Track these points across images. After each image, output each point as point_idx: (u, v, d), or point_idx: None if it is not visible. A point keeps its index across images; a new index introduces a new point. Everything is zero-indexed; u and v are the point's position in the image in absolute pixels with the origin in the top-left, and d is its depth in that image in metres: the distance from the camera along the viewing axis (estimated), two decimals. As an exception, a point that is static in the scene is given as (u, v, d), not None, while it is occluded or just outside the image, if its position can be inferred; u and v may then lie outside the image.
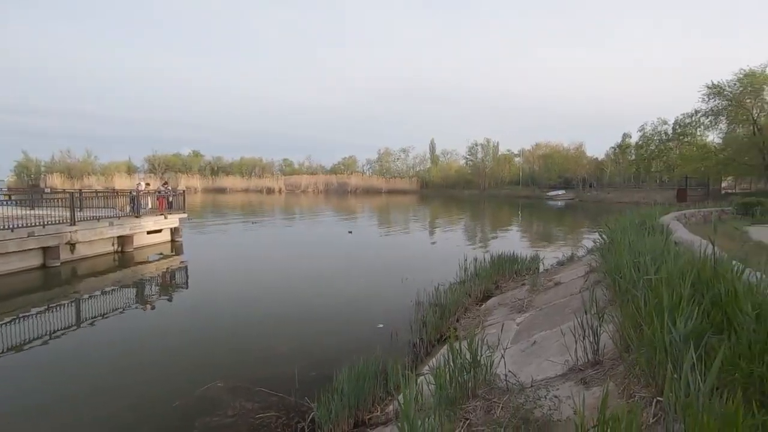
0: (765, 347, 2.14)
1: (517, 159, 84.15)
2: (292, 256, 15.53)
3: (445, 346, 4.73)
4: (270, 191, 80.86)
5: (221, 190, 79.51)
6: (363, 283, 11.22)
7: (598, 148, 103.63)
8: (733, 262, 3.35)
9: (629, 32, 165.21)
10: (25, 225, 11.41)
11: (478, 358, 3.69)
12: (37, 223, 11.73)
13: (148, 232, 15.76)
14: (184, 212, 17.53)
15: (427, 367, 4.86)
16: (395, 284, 10.52)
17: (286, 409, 4.54)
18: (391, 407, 4.26)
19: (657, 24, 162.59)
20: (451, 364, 3.61)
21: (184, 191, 18.23)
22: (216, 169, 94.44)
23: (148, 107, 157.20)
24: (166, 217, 16.43)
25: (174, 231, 16.99)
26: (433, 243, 20.05)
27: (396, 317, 7.71)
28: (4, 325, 7.85)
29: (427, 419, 2.69)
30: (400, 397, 4.33)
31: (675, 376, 2.11)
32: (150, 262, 14.54)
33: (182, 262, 14.84)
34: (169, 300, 10.21)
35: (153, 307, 9.61)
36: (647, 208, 14.69)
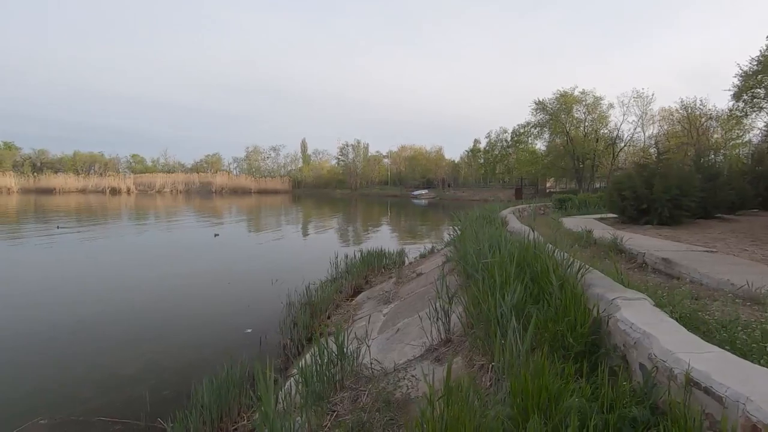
0: (565, 311, 2.65)
1: (385, 160, 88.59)
2: (142, 264, 13.68)
3: (313, 344, 4.74)
4: (116, 192, 69.88)
5: (48, 191, 65.81)
6: (229, 288, 10.51)
7: (455, 152, 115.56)
8: (548, 245, 4.09)
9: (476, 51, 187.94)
10: None
11: (345, 350, 3.80)
12: None
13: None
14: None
15: (296, 368, 4.80)
16: (265, 287, 10.12)
17: (132, 436, 4.00)
18: (258, 413, 4.08)
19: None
20: (318, 359, 3.63)
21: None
22: (39, 166, 77.88)
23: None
24: (-40, 225, 12.87)
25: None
26: (306, 243, 19.85)
27: (266, 321, 7.42)
28: None
29: (291, 418, 2.65)
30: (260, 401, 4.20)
31: (502, 341, 2.48)
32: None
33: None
34: None
35: None
36: (491, 204, 16.95)
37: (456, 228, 8.76)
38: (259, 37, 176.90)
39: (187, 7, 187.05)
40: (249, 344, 6.42)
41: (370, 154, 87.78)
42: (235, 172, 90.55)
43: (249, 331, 6.97)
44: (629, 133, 43.13)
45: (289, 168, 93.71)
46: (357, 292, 8.97)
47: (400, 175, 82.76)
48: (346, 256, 11.15)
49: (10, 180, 65.88)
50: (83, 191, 69.96)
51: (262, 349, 6.23)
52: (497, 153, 64.24)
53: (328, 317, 7.27)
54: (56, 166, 79.38)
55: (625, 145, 43.43)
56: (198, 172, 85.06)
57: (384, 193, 73.31)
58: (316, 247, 17.84)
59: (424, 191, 69.70)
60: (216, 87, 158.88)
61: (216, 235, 19.61)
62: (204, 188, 76.74)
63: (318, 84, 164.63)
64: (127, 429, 4.15)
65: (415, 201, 60.31)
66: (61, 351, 6.48)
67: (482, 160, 70.15)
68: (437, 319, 3.93)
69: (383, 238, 20.00)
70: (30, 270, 12.72)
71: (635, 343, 2.20)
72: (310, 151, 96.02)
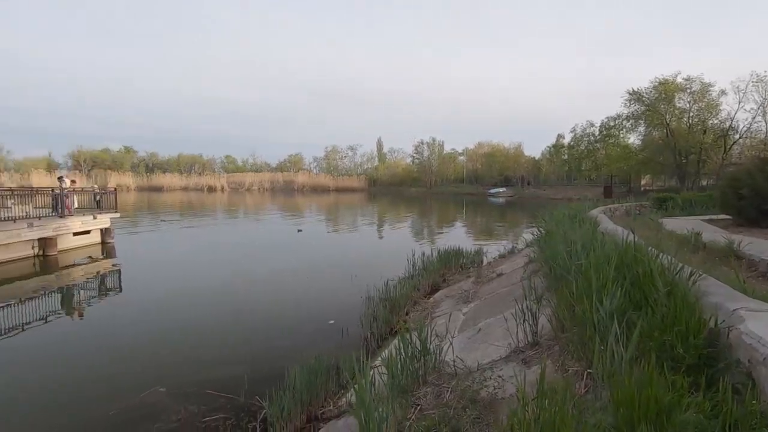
0: (674, 319, 2.44)
1: (461, 158, 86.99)
2: (237, 256, 15.01)
3: (396, 338, 4.85)
4: (212, 190, 77.24)
5: (157, 189, 74.74)
6: (313, 280, 11.12)
7: (535, 148, 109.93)
8: (649, 248, 3.76)
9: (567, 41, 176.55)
10: None
11: (428, 346, 3.84)
12: (-61, 226, 10.41)
13: (75, 234, 14.49)
14: (116, 212, 16.31)
15: (378, 360, 4.95)
16: (345, 281, 10.54)
17: (235, 410, 4.43)
18: (343, 400, 4.30)
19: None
20: (403, 353, 3.72)
21: (115, 189, 16.95)
22: (151, 167, 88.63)
23: (71, 100, 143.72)
24: (95, 217, 15.19)
25: (105, 232, 15.76)
26: (382, 240, 20.26)
27: (347, 313, 7.74)
28: None
29: (381, 407, 2.76)
30: (354, 388, 4.40)
31: (602, 348, 2.35)
32: (77, 265, 13.42)
33: (114, 264, 13.86)
34: (100, 305, 9.51)
35: (81, 314, 8.92)
36: (578, 203, 15.87)
37: (540, 228, 8.37)
38: (336, 42, 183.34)
39: (273, 19, 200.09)
40: (332, 334, 6.75)
41: (445, 152, 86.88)
42: (315, 171, 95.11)
43: (332, 322, 7.32)
44: (746, 123, 37.34)
45: (365, 167, 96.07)
46: (434, 290, 8.98)
47: (476, 172, 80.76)
48: (423, 254, 11.19)
49: (129, 179, 75.99)
50: (185, 189, 78.32)
51: (345, 340, 6.51)
52: (583, 148, 59.73)
53: (407, 314, 7.37)
54: (164, 166, 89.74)
55: (740, 137, 37.80)
56: (282, 171, 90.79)
57: (459, 191, 72.11)
58: (392, 244, 18.13)
59: (501, 189, 67.24)
60: (300, 90, 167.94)
61: (299, 230, 20.81)
62: (287, 186, 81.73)
63: (396, 84, 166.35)
64: (230, 402, 4.60)
65: (492, 199, 58.47)
66: (172, 333, 7.36)
67: (566, 156, 65.83)
68: (523, 321, 3.81)
69: (459, 236, 19.71)
70: (143, 260, 14.61)
71: (765, 359, 1.96)
72: (385, 150, 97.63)
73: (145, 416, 4.41)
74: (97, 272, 12.89)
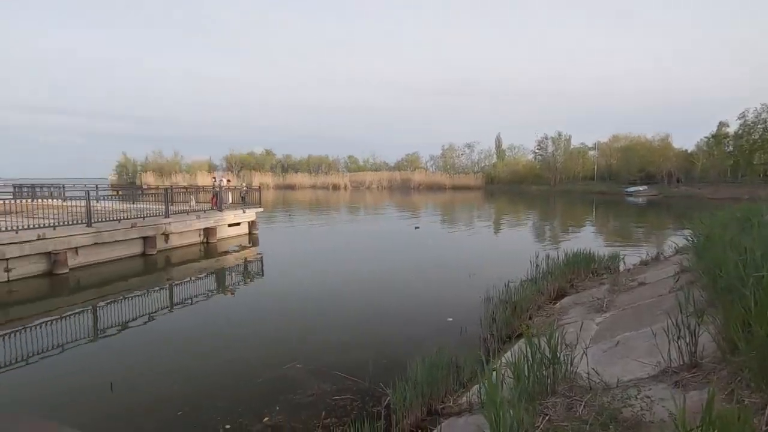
0: None
1: (591, 152, 78.77)
2: (359, 249, 15.97)
3: (521, 342, 4.64)
4: (336, 188, 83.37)
5: (290, 187, 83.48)
6: (430, 277, 11.26)
7: (684, 140, 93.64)
8: None
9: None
10: (128, 217, 12.92)
11: (558, 354, 3.59)
12: (138, 216, 13.21)
13: (229, 225, 17.05)
14: (260, 207, 18.72)
15: (500, 362, 4.79)
16: (463, 280, 10.43)
17: (361, 393, 4.74)
18: (464, 398, 4.27)
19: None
20: (530, 358, 3.54)
21: (260, 187, 19.46)
22: (286, 167, 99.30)
23: (226, 111, 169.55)
24: (244, 211, 17.67)
25: (251, 224, 18.22)
26: (500, 239, 19.51)
27: (465, 313, 7.66)
28: (110, 305, 9.01)
29: (509, 410, 2.68)
30: (475, 388, 4.32)
31: (797, 379, 1.91)
32: (231, 252, 15.74)
33: (258, 253, 15.90)
34: (248, 287, 11.04)
35: (233, 293, 10.44)
36: (749, 203, 13.07)
37: (696, 232, 7.14)
38: (450, 40, 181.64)
39: (385, 23, 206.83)
40: (451, 332, 6.75)
41: (572, 147, 79.62)
42: (431, 170, 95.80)
43: (450, 320, 7.32)
44: None
45: (483, 164, 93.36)
46: (560, 295, 8.33)
47: (611, 169, 72.15)
48: (547, 257, 10.46)
49: (269, 179, 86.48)
50: (313, 187, 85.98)
51: (463, 339, 6.45)
52: (757, 138, 48.97)
53: (530, 318, 6.98)
54: (296, 167, 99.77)
55: None
56: (399, 170, 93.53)
57: (588, 190, 65.34)
58: (511, 245, 17.33)
59: (642, 188, 58.91)
60: (411, 90, 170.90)
61: (416, 228, 21.22)
62: (404, 185, 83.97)
63: (516, 76, 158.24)
64: (355, 385, 4.94)
65: (630, 199, 51.67)
66: (304, 315, 8.16)
67: (731, 148, 54.78)
68: (677, 338, 3.30)
69: (588, 239, 17.91)
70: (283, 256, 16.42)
71: None
72: (504, 146, 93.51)
73: (286, 388, 4.99)
74: (245, 258, 14.98)
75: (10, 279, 10.12)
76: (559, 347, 3.66)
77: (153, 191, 16.65)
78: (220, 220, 16.30)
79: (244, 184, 21.01)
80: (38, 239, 10.39)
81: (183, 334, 7.29)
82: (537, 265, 10.01)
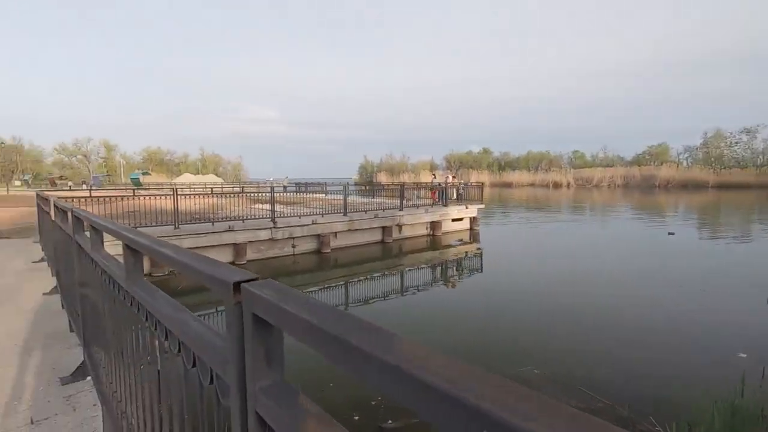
0: None
1: None
2: (590, 254, 14.12)
3: None
4: (557, 186, 77.00)
5: (507, 185, 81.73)
6: (701, 295, 8.91)
7: None
8: None
9: None
10: (371, 209, 15.02)
11: None
12: (378, 208, 15.20)
13: (453, 220, 17.79)
14: (481, 203, 18.85)
15: None
16: (752, 304, 7.82)
17: (620, 422, 4.00)
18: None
19: None
20: None
21: (482, 184, 19.59)
22: (503, 165, 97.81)
23: (448, 115, 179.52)
24: (467, 207, 18.11)
25: (473, 220, 18.54)
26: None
27: (764, 347, 5.65)
28: (365, 281, 10.59)
29: None
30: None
31: None
32: (453, 246, 16.39)
33: (478, 248, 16.01)
34: (469, 281, 11.23)
35: (454, 285, 10.81)
36: None
37: None
38: None
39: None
40: (748, 372, 5.06)
41: None
42: (685, 164, 77.37)
43: (743, 356, 5.52)
44: None
45: (770, 155, 69.24)
46: None
47: None
48: None
49: (485, 177, 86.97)
50: (532, 185, 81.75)
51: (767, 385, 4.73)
52: None
53: None
54: (514, 164, 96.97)
55: None
56: (639, 165, 79.10)
57: None
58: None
59: None
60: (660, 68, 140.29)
61: (670, 233, 17.35)
62: (645, 182, 70.46)
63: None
64: (610, 410, 4.22)
65: None
66: (530, 317, 7.62)
67: None
68: None
69: None
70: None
71: None
72: (813, 129, 66.83)
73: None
74: (466, 253, 15.32)
75: (295, 253, 13.19)
76: None
77: (392, 187, 18.86)
78: (445, 215, 17.17)
79: (461, 182, 21.52)
80: (312, 224, 13.18)
81: (410, 319, 7.84)
82: None
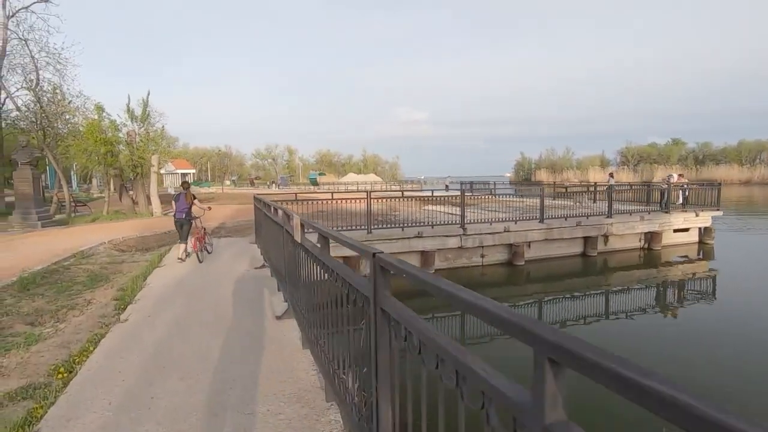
0: None
1: None
2: None
3: None
4: (789, 184, 58.76)
5: (709, 183, 65.83)
6: None
7: None
8: None
9: None
10: (571, 215, 12.59)
11: None
12: (581, 214, 12.69)
13: (675, 231, 14.02)
14: (718, 209, 14.47)
15: None
16: None
17: None
18: None
19: None
20: None
21: (720, 184, 15.06)
22: (701, 158, 79.59)
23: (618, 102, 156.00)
24: (697, 215, 14.06)
25: (704, 231, 14.36)
26: None
27: None
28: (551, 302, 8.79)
29: None
30: None
31: None
32: (674, 263, 12.92)
33: (711, 269, 12.23)
34: (691, 308, 9.11)
35: (674, 314, 8.70)
36: None
37: None
38: None
39: None
40: None
41: None
42: None
43: None
44: None
45: None
46: None
47: None
48: None
49: (675, 173, 71.69)
50: (746, 183, 64.30)
51: None
52: None
53: None
54: (717, 157, 77.85)
55: None
56: None
57: None
58: None
59: None
60: None
61: None
62: None
63: None
64: None
65: None
66: None
67: None
68: None
69: None
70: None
71: None
72: None
73: None
74: (693, 274, 11.90)
75: (484, 264, 11.82)
76: None
77: (598, 188, 15.84)
78: (666, 224, 13.57)
79: (685, 181, 17.00)
80: (504, 231, 11.58)
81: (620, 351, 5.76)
82: None
